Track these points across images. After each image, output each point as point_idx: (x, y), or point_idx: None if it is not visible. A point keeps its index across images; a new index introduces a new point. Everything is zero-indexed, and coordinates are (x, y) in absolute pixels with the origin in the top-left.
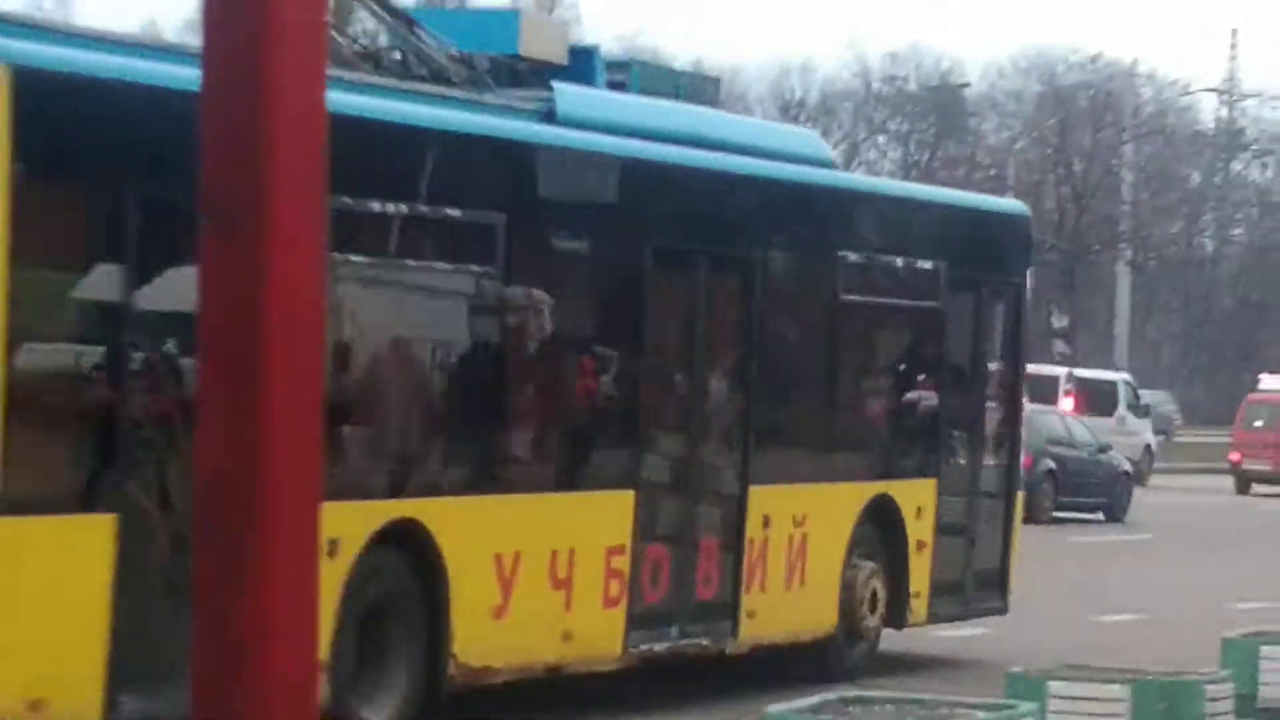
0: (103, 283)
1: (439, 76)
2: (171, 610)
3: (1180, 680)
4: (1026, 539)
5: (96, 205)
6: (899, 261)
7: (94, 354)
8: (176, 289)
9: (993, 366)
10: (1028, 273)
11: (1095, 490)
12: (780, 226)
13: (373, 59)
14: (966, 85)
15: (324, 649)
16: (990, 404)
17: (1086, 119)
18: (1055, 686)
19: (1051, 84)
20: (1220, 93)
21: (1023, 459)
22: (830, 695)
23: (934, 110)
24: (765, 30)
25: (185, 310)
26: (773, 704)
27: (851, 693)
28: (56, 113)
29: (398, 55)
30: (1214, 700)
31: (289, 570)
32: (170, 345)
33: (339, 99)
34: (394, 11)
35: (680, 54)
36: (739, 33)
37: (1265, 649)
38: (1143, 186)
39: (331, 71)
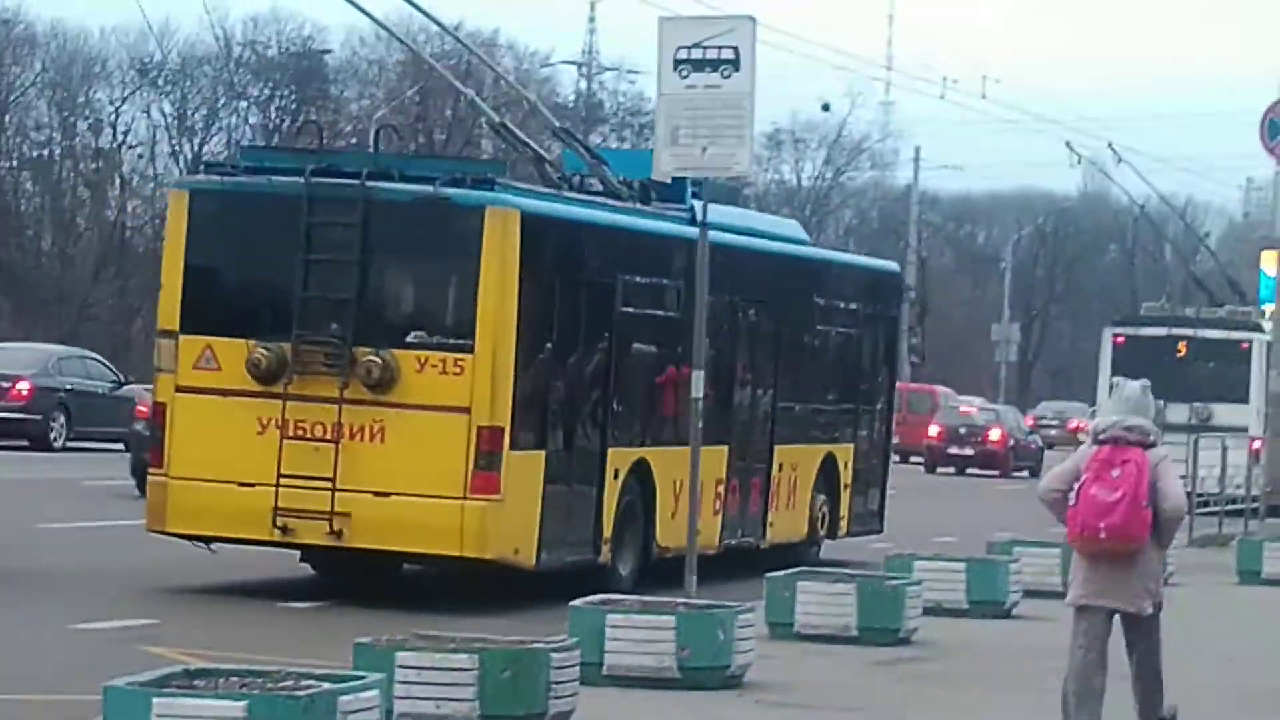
0: (578, 347)
1: (615, 194)
2: None
3: (527, 649)
4: None
5: (567, 297)
6: (838, 304)
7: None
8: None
9: (879, 371)
10: (901, 308)
11: None
12: (787, 284)
13: (570, 182)
14: (328, 51)
15: (609, 529)
16: (875, 396)
17: (447, 89)
18: (404, 656)
19: (412, 52)
20: (579, 65)
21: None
22: (175, 669)
23: (296, 77)
24: None
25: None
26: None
27: (196, 665)
28: (545, 241)
29: (594, 181)
30: (561, 668)
31: None
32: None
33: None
34: (591, 151)
35: (39, 11)
36: None
37: (611, 618)
38: (503, 156)
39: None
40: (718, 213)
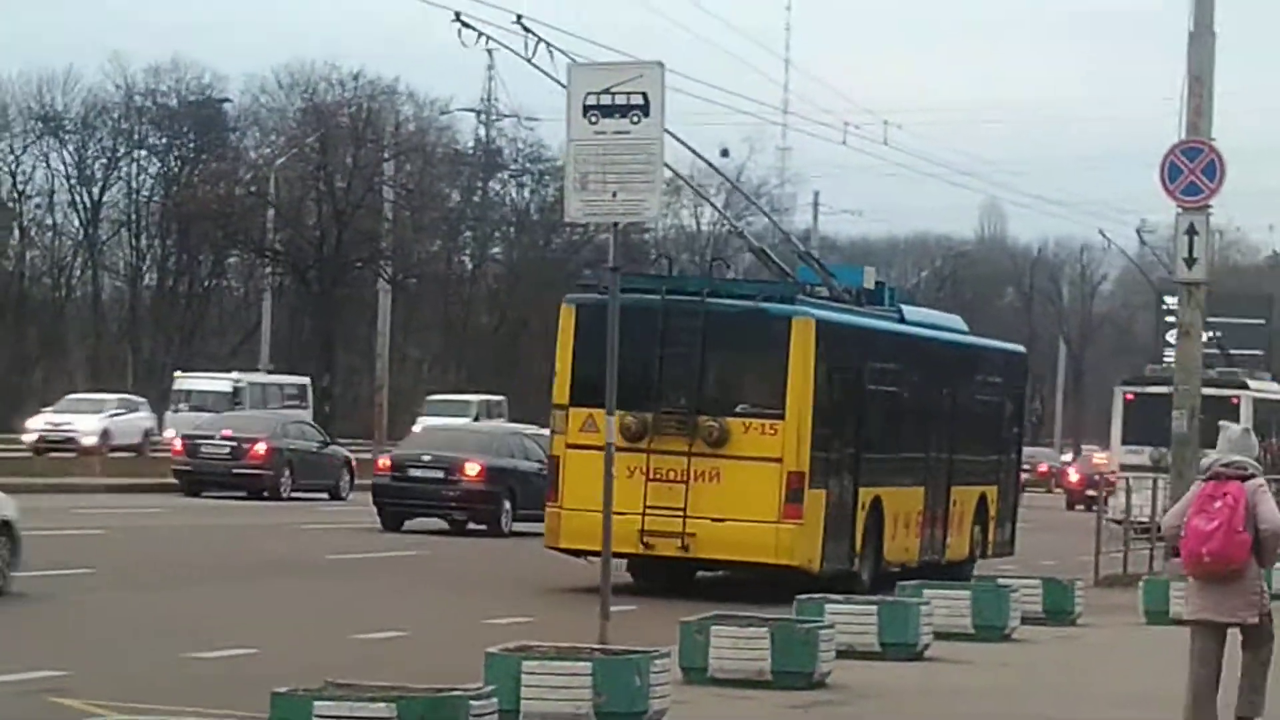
0: (846, 415)
1: (841, 300)
2: None
3: (445, 696)
4: None
5: (840, 380)
6: (989, 378)
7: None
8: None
9: (1014, 429)
10: (1028, 379)
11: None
12: (959, 365)
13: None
14: (227, 100)
15: (859, 546)
16: (1010, 449)
17: (348, 136)
18: (321, 706)
19: (313, 100)
20: (478, 112)
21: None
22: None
23: (195, 125)
24: (26, 38)
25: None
26: None
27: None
28: (829, 340)
29: (824, 289)
30: (478, 716)
31: None
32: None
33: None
34: (824, 268)
35: None
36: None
37: (527, 664)
38: (404, 204)
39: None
40: (912, 313)
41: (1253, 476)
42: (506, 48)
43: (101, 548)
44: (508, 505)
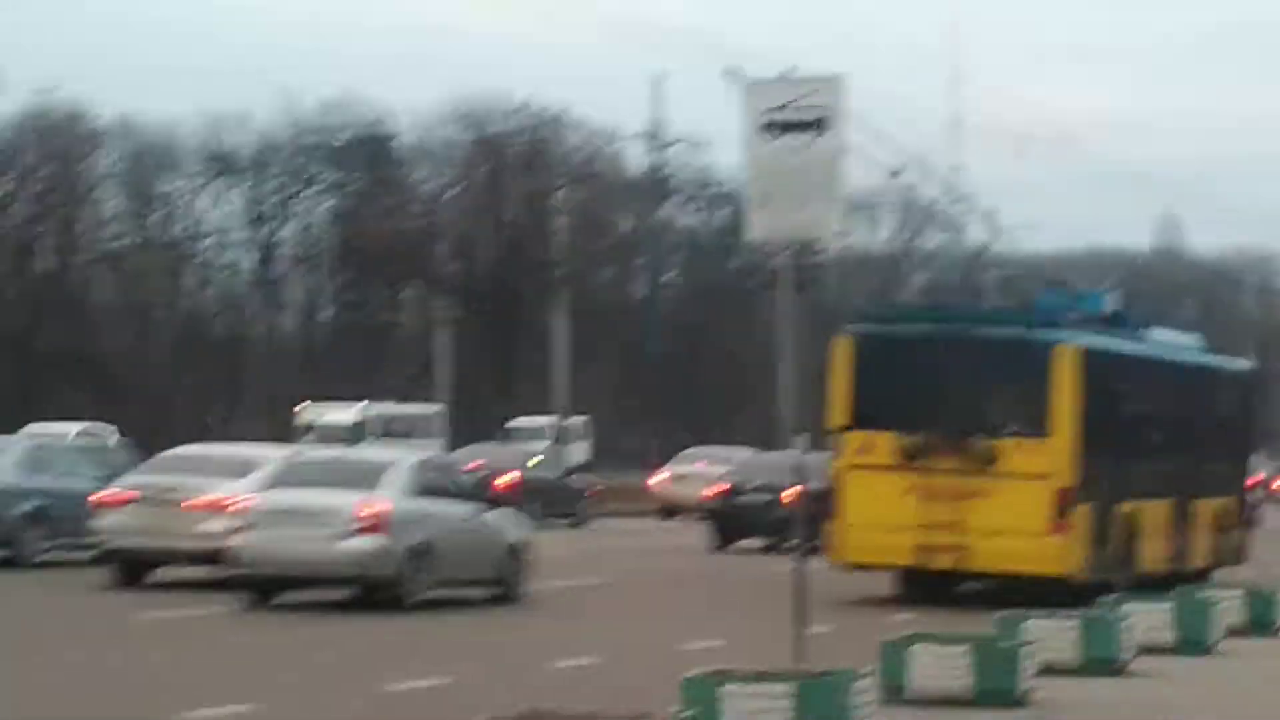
0: (1106, 434)
1: (1091, 324)
2: None
3: None
4: None
5: (1101, 401)
6: (1226, 395)
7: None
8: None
9: (1244, 443)
10: (1254, 395)
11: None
12: (1203, 384)
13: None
14: (395, 136)
15: (1119, 556)
16: (1242, 461)
17: (518, 166)
18: None
19: (482, 132)
20: (647, 138)
21: None
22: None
23: (365, 160)
24: (196, 79)
25: None
26: None
27: None
28: (1092, 364)
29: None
30: None
31: None
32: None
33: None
34: (1075, 295)
35: (106, 106)
36: (171, 82)
37: (726, 687)
38: (576, 233)
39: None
40: (1158, 334)
41: None
42: None
43: None
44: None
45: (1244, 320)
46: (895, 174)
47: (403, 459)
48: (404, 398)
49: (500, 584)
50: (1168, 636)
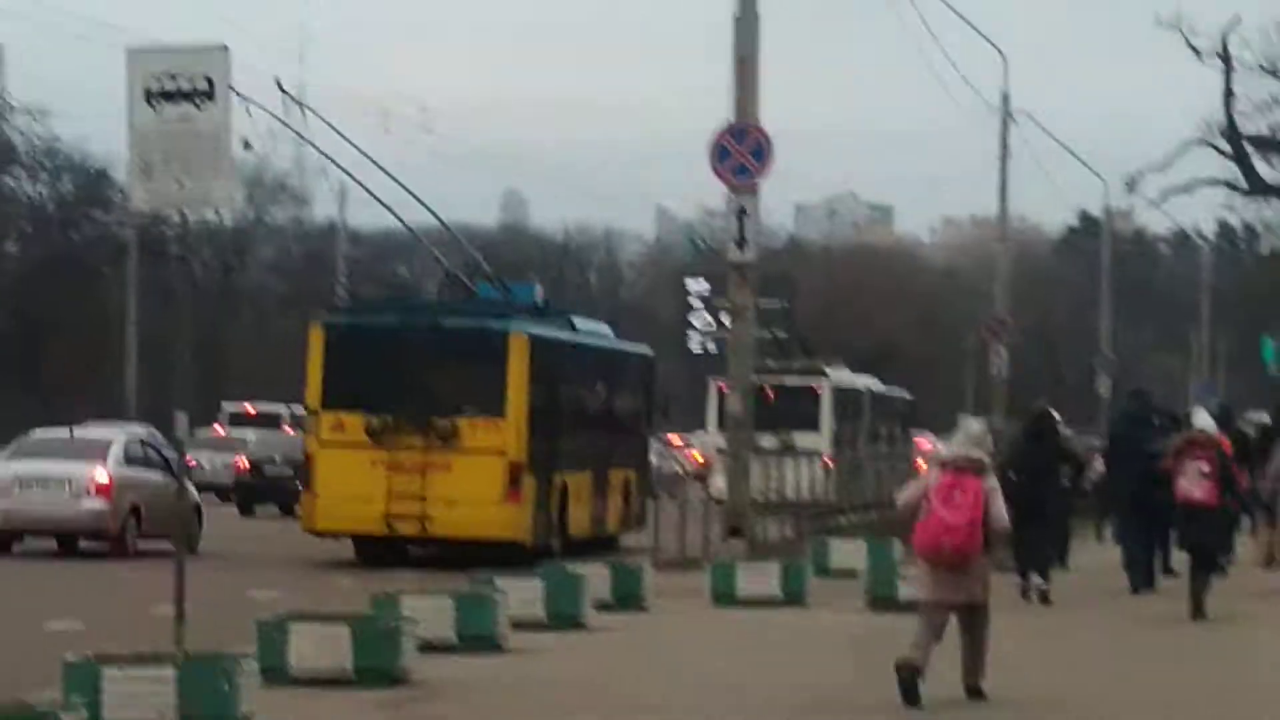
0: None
1: (526, 314)
2: None
3: (31, 712)
4: None
5: (546, 388)
6: (626, 378)
7: None
8: None
9: (643, 420)
10: (654, 378)
11: None
12: (611, 367)
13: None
14: None
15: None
16: (644, 437)
17: None
18: None
19: None
20: None
21: None
22: None
23: None
24: None
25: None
26: None
27: None
28: (538, 351)
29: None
30: None
31: None
32: None
33: None
34: (504, 285)
35: None
36: None
37: (108, 672)
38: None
39: None
40: (581, 323)
41: (985, 472)
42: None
43: None
44: None
45: (590, 297)
46: (247, 145)
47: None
48: None
49: None
50: (540, 611)
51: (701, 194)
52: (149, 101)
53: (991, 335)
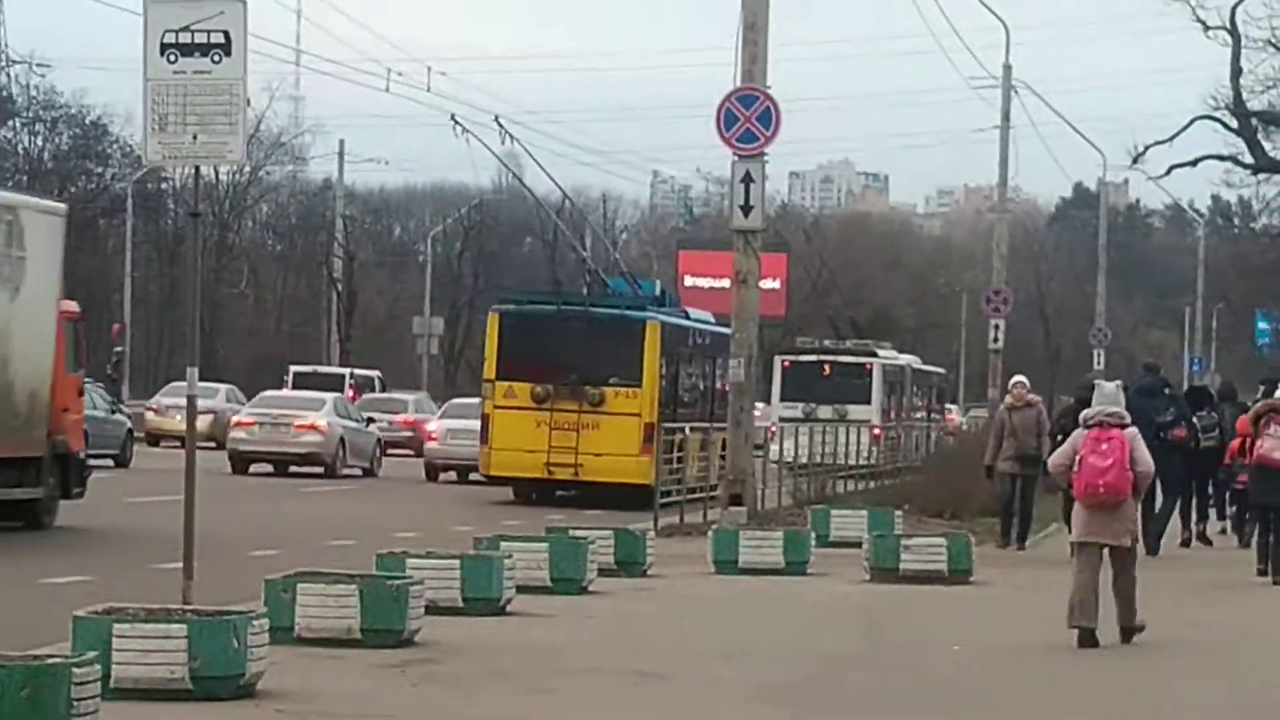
0: (679, 386)
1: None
2: None
3: (45, 665)
4: None
5: (673, 364)
6: (722, 353)
7: None
8: None
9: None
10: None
11: None
12: (719, 346)
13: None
14: None
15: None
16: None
17: None
18: None
19: None
20: None
21: None
22: None
23: None
24: None
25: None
26: None
27: None
28: (668, 337)
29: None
30: (81, 684)
31: None
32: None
33: None
34: (634, 280)
35: None
36: None
37: (118, 627)
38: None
39: None
40: (694, 312)
41: (1128, 425)
42: None
43: None
44: None
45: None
46: (246, 102)
47: None
48: None
49: None
50: (544, 575)
51: (698, 157)
52: (165, 54)
53: (991, 308)
